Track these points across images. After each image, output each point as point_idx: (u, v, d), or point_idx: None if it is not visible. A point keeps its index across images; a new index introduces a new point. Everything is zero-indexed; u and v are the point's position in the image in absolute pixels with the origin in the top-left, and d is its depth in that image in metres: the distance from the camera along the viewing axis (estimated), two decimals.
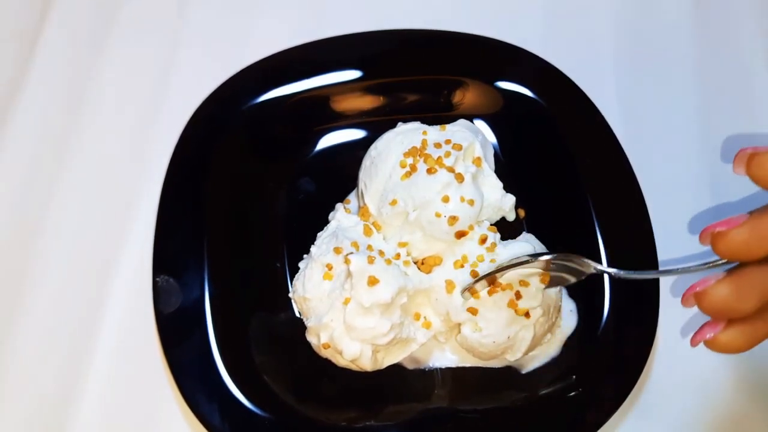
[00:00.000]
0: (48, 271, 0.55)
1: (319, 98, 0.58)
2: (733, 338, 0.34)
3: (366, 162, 0.52)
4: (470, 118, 0.57)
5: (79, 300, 0.54)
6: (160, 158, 0.55)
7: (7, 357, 0.52)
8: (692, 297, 0.35)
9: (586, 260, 0.43)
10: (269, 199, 0.56)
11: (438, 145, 0.50)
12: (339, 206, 0.53)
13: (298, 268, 0.51)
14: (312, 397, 0.49)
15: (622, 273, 0.41)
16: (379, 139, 0.52)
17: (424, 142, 0.50)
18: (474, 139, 0.51)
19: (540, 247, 0.50)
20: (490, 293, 0.46)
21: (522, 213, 0.54)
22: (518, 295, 0.46)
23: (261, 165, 0.56)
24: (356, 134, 0.58)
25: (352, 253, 0.46)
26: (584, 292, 0.51)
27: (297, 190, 0.56)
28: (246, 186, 0.55)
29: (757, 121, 0.62)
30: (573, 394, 0.48)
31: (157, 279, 0.50)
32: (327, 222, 0.54)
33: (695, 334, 0.36)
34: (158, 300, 0.49)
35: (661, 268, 0.37)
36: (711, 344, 0.35)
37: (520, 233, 0.52)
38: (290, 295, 0.49)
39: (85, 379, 0.52)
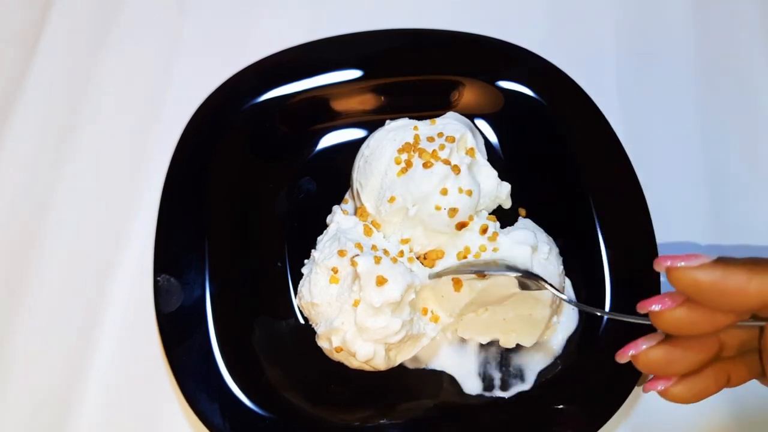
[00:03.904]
0: (49, 270, 0.55)
1: (319, 98, 0.58)
2: (683, 392, 0.37)
3: (359, 162, 0.52)
4: (471, 117, 0.57)
5: (80, 300, 0.54)
6: (161, 158, 0.55)
7: (8, 357, 0.52)
8: (630, 358, 0.38)
9: (545, 284, 0.45)
10: (269, 198, 0.56)
11: (431, 139, 0.50)
12: (336, 209, 0.53)
13: (300, 268, 0.51)
14: (313, 396, 0.49)
15: (573, 302, 0.45)
16: (370, 137, 0.52)
17: (416, 137, 0.50)
18: (465, 130, 0.51)
19: (538, 231, 0.50)
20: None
21: (523, 212, 0.54)
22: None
23: (261, 165, 0.56)
24: (356, 134, 0.58)
25: (357, 255, 0.46)
26: (586, 292, 0.51)
27: (297, 190, 0.56)
28: (246, 186, 0.55)
29: (757, 121, 0.62)
30: (574, 393, 0.48)
31: (158, 278, 0.50)
32: (327, 222, 0.54)
33: (648, 383, 0.38)
34: (159, 300, 0.49)
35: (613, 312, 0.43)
36: (662, 394, 0.38)
37: (516, 219, 0.52)
38: (296, 302, 0.49)
39: (86, 378, 0.51)
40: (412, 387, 0.49)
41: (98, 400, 0.51)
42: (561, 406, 0.48)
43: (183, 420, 0.51)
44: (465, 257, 0.48)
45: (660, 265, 0.35)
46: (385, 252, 0.47)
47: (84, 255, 0.56)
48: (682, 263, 0.34)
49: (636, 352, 0.37)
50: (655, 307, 0.36)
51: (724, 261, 0.34)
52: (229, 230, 0.53)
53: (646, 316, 0.37)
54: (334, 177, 0.55)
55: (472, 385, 0.49)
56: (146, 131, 0.60)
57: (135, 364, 0.52)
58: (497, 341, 0.50)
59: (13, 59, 0.63)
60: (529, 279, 0.45)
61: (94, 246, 0.56)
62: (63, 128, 0.60)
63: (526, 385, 0.49)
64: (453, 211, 0.48)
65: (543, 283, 0.44)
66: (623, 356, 0.38)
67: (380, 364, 0.46)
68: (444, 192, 0.48)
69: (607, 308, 0.50)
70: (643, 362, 0.37)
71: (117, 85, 0.62)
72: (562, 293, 0.50)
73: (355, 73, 0.58)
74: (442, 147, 0.49)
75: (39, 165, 0.59)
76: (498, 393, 0.49)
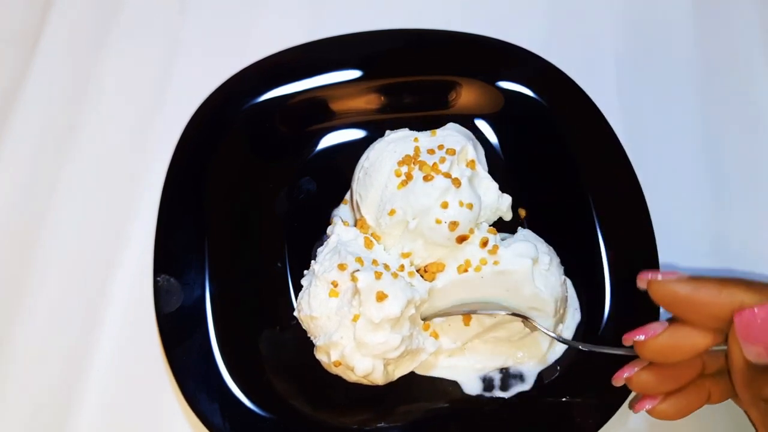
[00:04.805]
0: (49, 271, 0.55)
1: (320, 98, 0.58)
2: (668, 409, 0.40)
3: (359, 173, 0.52)
4: (471, 117, 0.57)
5: (80, 300, 0.54)
6: (161, 158, 0.55)
7: (8, 357, 0.52)
8: (623, 380, 0.41)
9: (537, 324, 0.46)
10: (269, 198, 0.56)
11: (431, 152, 0.50)
12: (337, 220, 0.53)
13: (300, 268, 0.51)
14: (313, 397, 0.49)
15: (558, 339, 0.46)
16: (370, 149, 0.52)
17: (416, 150, 0.50)
18: (466, 142, 0.51)
19: (538, 242, 0.50)
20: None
21: (523, 213, 0.54)
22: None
23: (261, 165, 0.56)
24: (356, 134, 0.58)
25: (358, 270, 0.45)
26: (586, 292, 0.51)
27: (297, 190, 0.56)
28: (246, 186, 0.55)
29: (757, 121, 0.62)
30: (574, 393, 0.48)
31: (158, 279, 0.50)
32: (327, 222, 0.54)
33: (637, 403, 0.41)
34: (159, 300, 0.49)
35: (592, 347, 0.45)
36: (650, 413, 0.41)
37: (516, 230, 0.52)
38: (295, 314, 0.48)
39: (86, 378, 0.51)
40: (413, 388, 0.49)
41: (98, 400, 0.51)
42: (561, 407, 0.48)
43: (183, 420, 0.51)
44: (465, 270, 0.48)
45: (642, 281, 0.39)
46: (386, 267, 0.47)
47: (84, 255, 0.56)
48: (661, 277, 0.38)
49: (630, 374, 0.40)
50: (640, 337, 0.39)
51: (697, 277, 0.38)
52: (229, 230, 0.53)
53: (630, 348, 0.40)
54: (334, 177, 0.55)
55: (472, 386, 0.49)
56: (146, 131, 0.60)
57: (135, 364, 0.52)
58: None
59: (13, 59, 0.63)
60: (519, 317, 0.46)
61: (94, 246, 0.56)
62: (63, 128, 0.60)
63: (526, 386, 0.49)
64: (453, 225, 0.47)
65: (534, 323, 0.46)
66: (619, 380, 0.41)
67: (378, 378, 0.46)
68: (444, 205, 0.47)
69: (606, 308, 0.50)
70: (636, 383, 0.40)
71: (117, 85, 0.62)
72: (565, 304, 0.50)
73: (355, 74, 0.58)
74: (442, 160, 0.49)
75: (39, 165, 0.59)
76: (498, 393, 0.49)
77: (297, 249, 0.53)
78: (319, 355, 0.47)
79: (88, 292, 0.54)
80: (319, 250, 0.50)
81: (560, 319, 0.49)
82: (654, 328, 0.39)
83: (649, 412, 0.41)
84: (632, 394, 0.44)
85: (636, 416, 0.51)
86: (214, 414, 0.46)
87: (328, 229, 0.51)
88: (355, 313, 0.45)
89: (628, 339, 0.39)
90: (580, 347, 0.46)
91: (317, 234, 0.53)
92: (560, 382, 0.49)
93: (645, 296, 0.49)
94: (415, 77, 0.58)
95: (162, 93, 0.62)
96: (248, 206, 0.55)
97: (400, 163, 0.49)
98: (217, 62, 0.60)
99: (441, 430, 0.48)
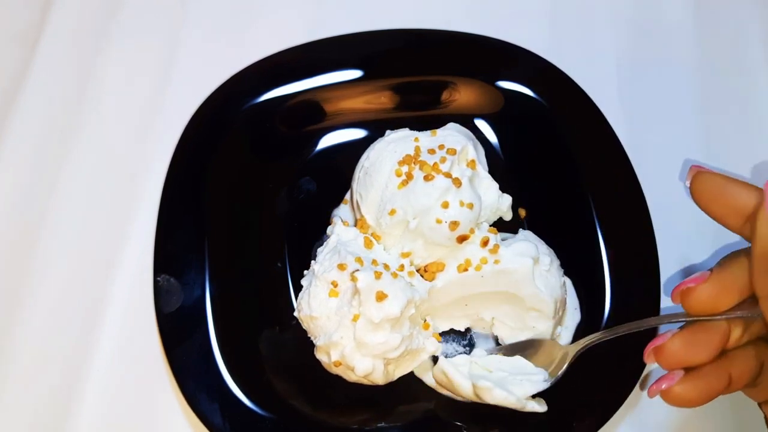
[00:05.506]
0: (49, 270, 0.55)
1: (319, 98, 0.58)
2: (686, 391, 0.38)
3: (359, 173, 0.52)
4: (471, 117, 0.57)
5: (80, 299, 0.54)
6: (161, 158, 0.55)
7: (8, 357, 0.52)
8: (652, 353, 0.39)
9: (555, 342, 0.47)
10: (270, 198, 0.56)
11: (432, 151, 0.50)
12: (337, 220, 0.53)
13: (300, 268, 0.51)
14: (313, 397, 0.49)
15: (571, 347, 0.47)
16: (370, 148, 0.52)
17: (417, 149, 0.50)
18: (467, 142, 0.51)
19: (539, 243, 0.50)
20: None
21: (523, 213, 0.54)
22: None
23: (261, 165, 0.56)
24: (356, 134, 0.58)
25: (357, 270, 0.45)
26: (586, 292, 0.51)
27: (297, 190, 0.56)
28: (246, 186, 0.55)
29: (757, 121, 0.62)
30: (574, 393, 0.48)
31: (158, 279, 0.50)
32: (327, 222, 0.54)
33: (652, 384, 0.39)
34: (159, 300, 0.49)
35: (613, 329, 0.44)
36: (665, 395, 0.39)
37: (516, 230, 0.52)
38: (295, 314, 0.48)
39: (86, 378, 0.51)
40: (413, 388, 0.49)
41: (98, 400, 0.51)
42: (561, 406, 0.48)
43: (183, 420, 0.51)
44: (466, 269, 0.48)
45: (692, 171, 0.40)
46: (386, 266, 0.47)
47: (84, 255, 0.56)
48: (707, 171, 0.39)
49: (662, 341, 0.39)
50: (690, 284, 0.38)
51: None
52: (229, 230, 0.53)
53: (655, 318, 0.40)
54: (334, 177, 0.55)
55: None
56: (146, 131, 0.60)
57: (135, 364, 0.52)
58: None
59: (14, 59, 0.63)
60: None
61: (94, 246, 0.56)
62: (63, 128, 0.60)
63: None
64: (454, 225, 0.47)
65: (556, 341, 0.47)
66: (648, 354, 0.40)
67: (379, 378, 0.46)
68: (445, 205, 0.47)
69: (606, 308, 0.50)
70: (669, 349, 0.39)
71: (117, 85, 0.62)
72: (564, 307, 0.50)
73: (355, 74, 0.58)
74: (443, 159, 0.49)
75: (39, 165, 0.59)
76: None
77: (297, 249, 0.53)
78: (319, 355, 0.47)
79: (88, 292, 0.54)
80: (319, 250, 0.49)
81: (559, 321, 0.49)
82: (700, 275, 0.38)
83: (663, 393, 0.39)
84: (638, 382, 0.44)
85: (637, 416, 0.51)
86: (214, 414, 0.46)
87: (328, 229, 0.51)
88: (355, 313, 0.45)
89: (676, 292, 0.39)
90: (599, 341, 0.45)
91: (317, 234, 0.53)
92: (560, 382, 0.49)
93: (644, 296, 0.50)
94: (415, 77, 0.58)
95: (162, 93, 0.62)
96: (248, 206, 0.55)
97: (401, 163, 0.49)
98: (217, 62, 0.60)
99: (441, 430, 0.48)
